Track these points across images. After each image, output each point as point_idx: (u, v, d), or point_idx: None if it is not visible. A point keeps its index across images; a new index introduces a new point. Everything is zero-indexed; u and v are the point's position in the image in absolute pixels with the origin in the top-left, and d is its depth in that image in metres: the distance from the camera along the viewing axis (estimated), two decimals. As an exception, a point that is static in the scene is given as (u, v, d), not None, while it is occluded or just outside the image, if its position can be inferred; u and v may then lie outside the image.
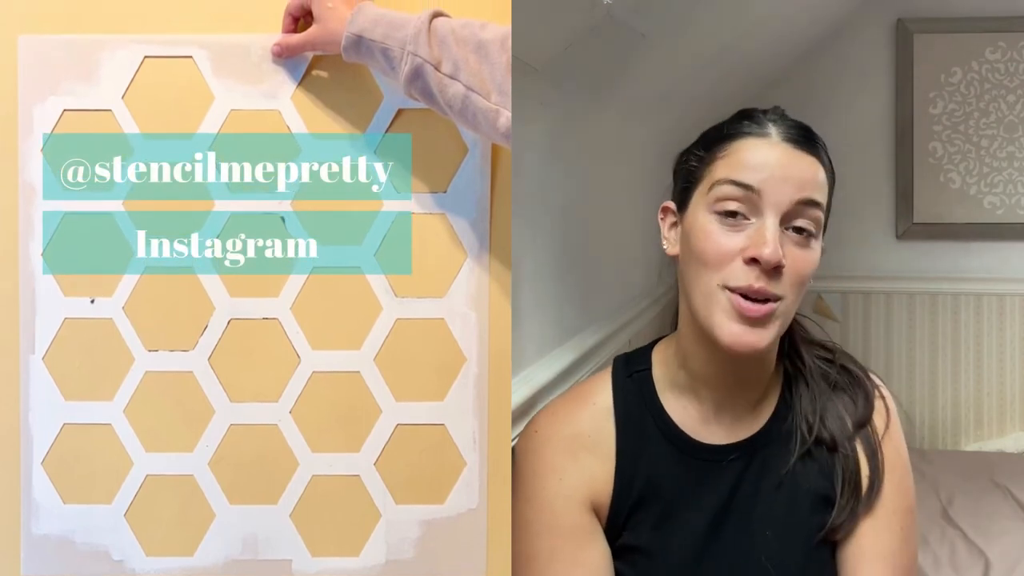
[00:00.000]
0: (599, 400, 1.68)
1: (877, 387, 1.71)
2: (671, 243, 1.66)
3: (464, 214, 1.77)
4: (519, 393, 1.88)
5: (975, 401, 4.50)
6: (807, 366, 1.68)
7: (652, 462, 1.64)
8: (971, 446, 4.46)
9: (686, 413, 1.66)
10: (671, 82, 3.18)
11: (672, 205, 1.66)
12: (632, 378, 1.69)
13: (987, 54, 4.40)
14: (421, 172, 1.77)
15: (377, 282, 1.77)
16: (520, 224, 1.87)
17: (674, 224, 1.65)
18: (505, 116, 1.58)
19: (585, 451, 1.63)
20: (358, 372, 1.78)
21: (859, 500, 1.61)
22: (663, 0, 2.47)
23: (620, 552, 1.63)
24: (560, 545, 1.60)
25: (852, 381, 1.69)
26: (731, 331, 1.52)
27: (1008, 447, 4.37)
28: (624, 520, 1.63)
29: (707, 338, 1.56)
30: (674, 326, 1.71)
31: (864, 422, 1.65)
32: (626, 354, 1.75)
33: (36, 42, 1.77)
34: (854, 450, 1.64)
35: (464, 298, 1.78)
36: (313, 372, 1.78)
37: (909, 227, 4.45)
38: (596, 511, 1.63)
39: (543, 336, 2.19)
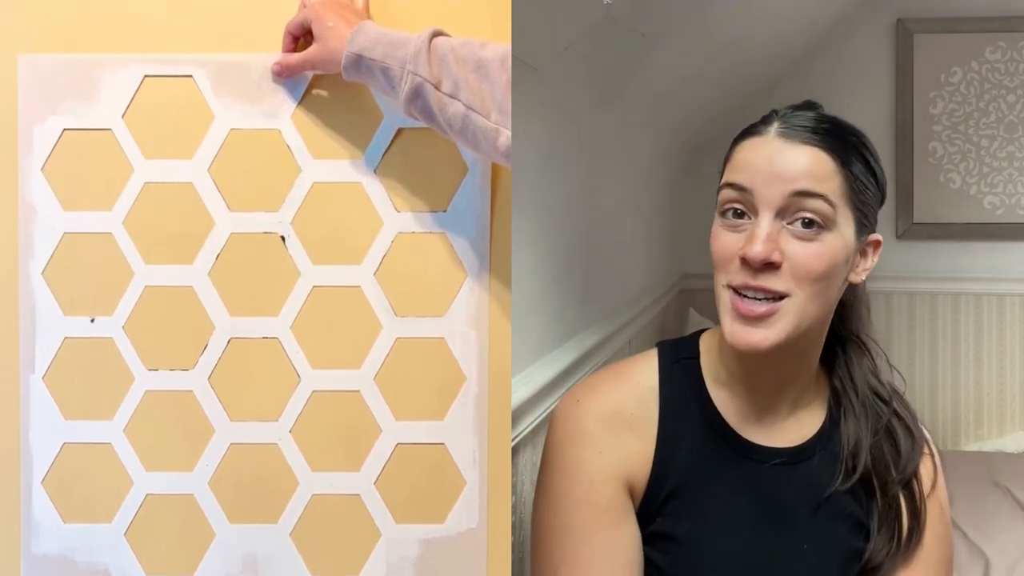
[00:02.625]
0: (643, 380, 1.65)
1: (926, 442, 1.69)
2: None
3: (464, 233, 1.77)
4: (519, 393, 1.88)
5: (975, 401, 4.51)
6: (859, 396, 1.66)
7: (694, 450, 1.61)
8: (971, 446, 4.46)
9: (728, 407, 1.64)
10: (671, 82, 3.19)
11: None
12: (679, 364, 1.67)
13: (987, 54, 4.41)
14: (421, 191, 1.77)
15: (377, 301, 1.77)
16: (520, 224, 1.87)
17: None
18: (505, 135, 1.58)
19: (627, 428, 1.61)
20: (358, 391, 1.78)
21: (897, 548, 1.60)
22: (663, 0, 2.47)
23: (651, 538, 1.61)
24: (596, 521, 1.57)
25: (903, 432, 1.66)
26: (732, 330, 1.51)
27: (1008, 447, 4.38)
28: (659, 506, 1.60)
29: None
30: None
31: (908, 478, 1.63)
32: (671, 341, 1.73)
33: (36, 61, 1.77)
34: (896, 499, 1.62)
35: (464, 317, 1.77)
36: (313, 391, 1.77)
37: (909, 227, 4.45)
38: (631, 492, 1.61)
39: (543, 336, 2.20)
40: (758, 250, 1.47)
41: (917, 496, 1.62)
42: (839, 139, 1.54)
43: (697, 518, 1.60)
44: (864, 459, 1.61)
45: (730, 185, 1.53)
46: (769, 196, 1.49)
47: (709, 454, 1.62)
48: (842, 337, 1.69)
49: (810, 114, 1.56)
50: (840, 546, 1.61)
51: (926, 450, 1.67)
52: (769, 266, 1.48)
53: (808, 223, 1.49)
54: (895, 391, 1.70)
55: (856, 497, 1.62)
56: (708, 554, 1.59)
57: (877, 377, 1.70)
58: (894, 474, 1.62)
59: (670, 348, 1.70)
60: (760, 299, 1.50)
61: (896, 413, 1.67)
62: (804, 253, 1.49)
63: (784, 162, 1.50)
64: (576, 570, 1.57)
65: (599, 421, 1.61)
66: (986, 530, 3.36)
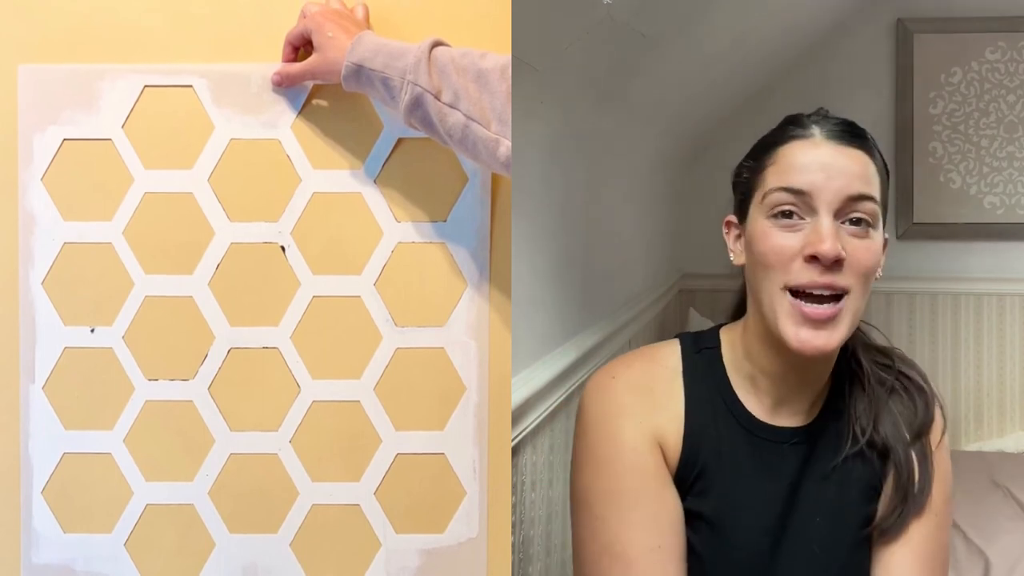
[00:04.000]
0: (670, 364, 1.67)
1: (936, 397, 1.70)
2: (737, 254, 1.66)
3: (464, 243, 1.77)
4: (519, 393, 1.87)
5: (975, 401, 4.50)
6: (864, 371, 1.67)
7: (719, 434, 1.63)
8: (971, 446, 4.45)
9: (748, 397, 1.65)
10: (671, 82, 3.18)
11: (734, 219, 1.67)
12: (701, 353, 1.68)
13: (987, 54, 4.40)
14: (421, 201, 1.77)
15: (377, 311, 1.77)
16: (520, 224, 1.87)
17: (738, 236, 1.65)
18: (505, 145, 1.58)
19: (658, 402, 1.63)
20: (358, 401, 1.78)
21: (908, 503, 1.61)
22: (663, 0, 2.47)
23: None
24: (645, 485, 1.59)
25: (911, 387, 1.68)
26: (798, 335, 1.52)
27: (1008, 447, 4.37)
28: (689, 485, 1.62)
29: (774, 340, 1.57)
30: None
31: (921, 432, 1.64)
32: (691, 333, 1.74)
33: (36, 71, 1.77)
34: (908, 455, 1.63)
35: (464, 327, 1.78)
36: (313, 401, 1.78)
37: (909, 227, 4.44)
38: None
39: (543, 336, 2.19)
40: (829, 247, 1.49)
41: (927, 449, 1.63)
42: (869, 141, 1.59)
43: (726, 500, 1.62)
44: (873, 426, 1.63)
45: (785, 189, 1.55)
46: (828, 198, 1.52)
47: (734, 438, 1.64)
48: None
49: (839, 118, 1.61)
50: (853, 513, 1.62)
51: (937, 413, 1.68)
52: (835, 263, 1.50)
53: (857, 222, 1.52)
54: (895, 352, 1.72)
55: (867, 461, 1.63)
56: (733, 533, 1.61)
57: (874, 347, 1.71)
58: (906, 435, 1.63)
59: (691, 339, 1.72)
60: (824, 301, 1.52)
61: (902, 373, 1.69)
62: (862, 249, 1.52)
63: (843, 165, 1.54)
64: (631, 533, 1.57)
65: (635, 394, 1.62)
66: (986, 530, 3.35)
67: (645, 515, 1.58)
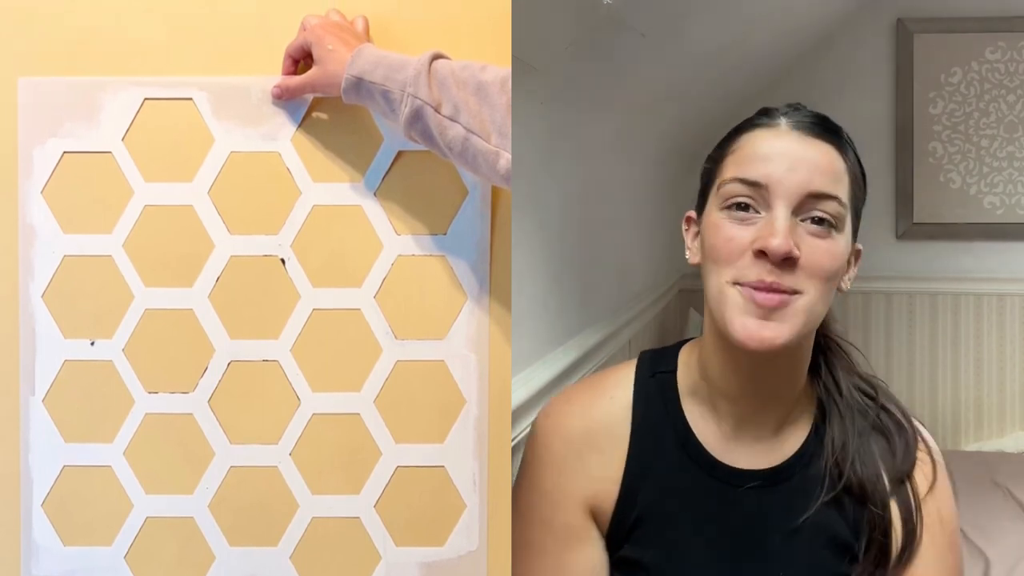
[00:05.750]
0: (618, 395, 1.61)
1: (923, 439, 1.60)
2: (693, 252, 1.56)
3: (464, 256, 1.77)
4: (519, 394, 1.89)
5: (975, 401, 4.52)
6: (843, 397, 1.57)
7: (665, 473, 1.56)
8: (971, 446, 4.47)
9: (705, 426, 1.57)
10: (671, 82, 3.18)
11: (694, 215, 1.59)
12: (655, 378, 1.61)
13: (987, 54, 4.41)
14: (421, 214, 1.77)
15: (377, 324, 1.77)
16: (520, 224, 1.86)
17: (696, 234, 1.57)
18: (505, 158, 1.57)
19: (594, 451, 1.58)
20: (358, 414, 1.77)
21: (887, 562, 1.52)
22: (663, 0, 2.47)
23: (620, 564, 1.58)
24: (550, 542, 1.57)
25: (893, 426, 1.58)
26: (744, 326, 1.42)
27: (1008, 447, 4.38)
28: (628, 530, 1.57)
29: (726, 345, 1.48)
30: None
31: (902, 477, 1.54)
32: (652, 351, 1.67)
33: (36, 84, 1.77)
34: (886, 505, 1.53)
35: (464, 340, 1.77)
36: (313, 414, 1.77)
37: (909, 227, 4.45)
38: (596, 515, 1.58)
39: (543, 336, 2.20)
40: (780, 242, 1.40)
41: (912, 503, 1.53)
42: (843, 139, 1.52)
43: (666, 545, 1.56)
44: (851, 463, 1.53)
45: (741, 180, 1.47)
46: (786, 192, 1.43)
47: (681, 477, 1.57)
48: (818, 342, 1.60)
49: (810, 112, 1.53)
50: (822, 572, 1.54)
51: (923, 456, 1.58)
52: (786, 261, 1.41)
53: (819, 221, 1.44)
54: (879, 385, 1.64)
55: (842, 512, 1.54)
56: None
57: (858, 373, 1.63)
58: (884, 475, 1.54)
59: (649, 360, 1.66)
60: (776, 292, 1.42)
61: (884, 408, 1.60)
62: (820, 250, 1.44)
63: (806, 157, 1.46)
64: None
65: (566, 442, 1.59)
66: (986, 531, 3.36)
67: (548, 571, 1.56)
